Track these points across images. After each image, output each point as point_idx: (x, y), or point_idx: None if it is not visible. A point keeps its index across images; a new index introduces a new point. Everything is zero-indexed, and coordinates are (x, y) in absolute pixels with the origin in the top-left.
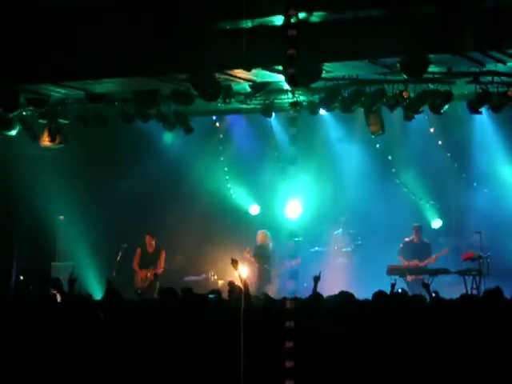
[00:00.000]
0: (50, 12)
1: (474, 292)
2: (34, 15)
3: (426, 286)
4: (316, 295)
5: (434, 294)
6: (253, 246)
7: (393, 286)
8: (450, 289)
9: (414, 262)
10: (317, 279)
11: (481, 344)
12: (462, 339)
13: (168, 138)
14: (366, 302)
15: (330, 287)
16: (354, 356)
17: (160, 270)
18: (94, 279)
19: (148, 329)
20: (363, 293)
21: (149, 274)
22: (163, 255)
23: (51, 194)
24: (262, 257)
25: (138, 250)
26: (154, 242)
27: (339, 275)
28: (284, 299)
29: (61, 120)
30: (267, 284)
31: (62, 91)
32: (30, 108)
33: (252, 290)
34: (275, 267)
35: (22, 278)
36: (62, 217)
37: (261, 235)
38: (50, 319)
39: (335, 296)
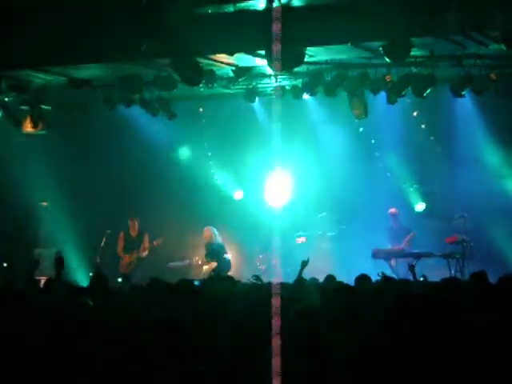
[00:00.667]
0: None
1: (458, 275)
2: (16, 0)
3: (411, 268)
4: (300, 280)
5: (422, 278)
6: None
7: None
8: (433, 272)
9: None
10: (304, 264)
11: (467, 327)
12: (448, 322)
13: (183, 153)
14: (352, 286)
15: (314, 272)
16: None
17: (144, 254)
18: (77, 265)
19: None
20: (348, 277)
21: (132, 258)
22: (146, 238)
23: (34, 180)
24: (213, 254)
25: (121, 234)
26: (136, 225)
27: (324, 259)
28: (269, 284)
29: (43, 106)
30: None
31: (44, 77)
32: (12, 94)
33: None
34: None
35: (4, 264)
36: (44, 203)
37: (207, 232)
38: (38, 306)
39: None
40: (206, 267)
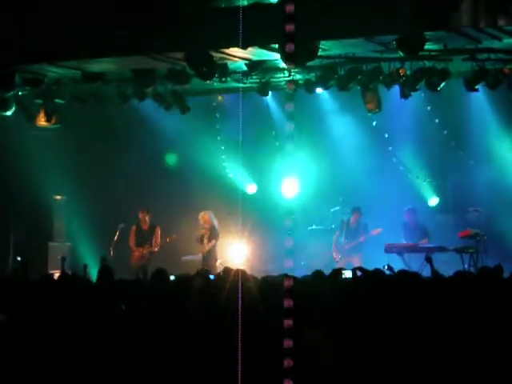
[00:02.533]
0: None
1: (472, 269)
2: None
3: (429, 260)
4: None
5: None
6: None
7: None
8: (447, 266)
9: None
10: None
11: (480, 321)
12: (461, 316)
13: (171, 159)
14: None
15: (327, 265)
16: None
17: (156, 248)
18: (91, 259)
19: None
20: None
21: (144, 252)
22: (158, 232)
23: (48, 174)
24: (210, 238)
25: (133, 227)
26: (147, 218)
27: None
28: (282, 276)
29: (57, 100)
30: (215, 262)
31: (58, 71)
32: (26, 88)
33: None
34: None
35: (19, 258)
36: (58, 197)
37: (206, 216)
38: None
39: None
40: (219, 261)
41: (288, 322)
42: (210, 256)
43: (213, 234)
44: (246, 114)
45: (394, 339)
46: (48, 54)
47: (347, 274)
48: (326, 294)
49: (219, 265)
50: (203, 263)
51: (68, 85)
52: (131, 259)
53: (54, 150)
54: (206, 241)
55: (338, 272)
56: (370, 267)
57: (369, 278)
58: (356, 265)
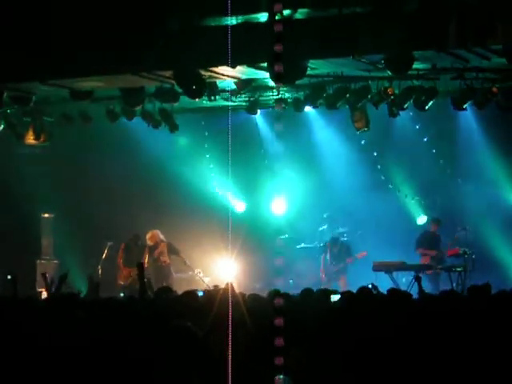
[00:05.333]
0: (36, 9)
1: (459, 288)
2: (19, 12)
3: (418, 280)
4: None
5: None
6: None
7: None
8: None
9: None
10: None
11: (467, 341)
12: (449, 335)
13: (182, 141)
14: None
15: (315, 284)
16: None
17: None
18: (78, 277)
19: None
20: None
21: (132, 273)
22: (147, 254)
23: (36, 192)
24: (171, 252)
25: (122, 245)
26: (139, 242)
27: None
28: (274, 296)
29: (45, 118)
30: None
31: (47, 89)
32: (15, 106)
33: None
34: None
35: (9, 277)
36: (46, 214)
37: (154, 234)
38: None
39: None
40: (207, 279)
41: (279, 341)
42: (169, 270)
43: (171, 249)
44: (234, 132)
45: (382, 360)
46: (36, 72)
47: (335, 298)
48: (315, 313)
49: (208, 283)
50: (158, 277)
51: (56, 103)
52: (119, 278)
53: (43, 167)
54: (165, 255)
55: (327, 295)
56: (358, 285)
57: (358, 299)
58: (342, 286)
